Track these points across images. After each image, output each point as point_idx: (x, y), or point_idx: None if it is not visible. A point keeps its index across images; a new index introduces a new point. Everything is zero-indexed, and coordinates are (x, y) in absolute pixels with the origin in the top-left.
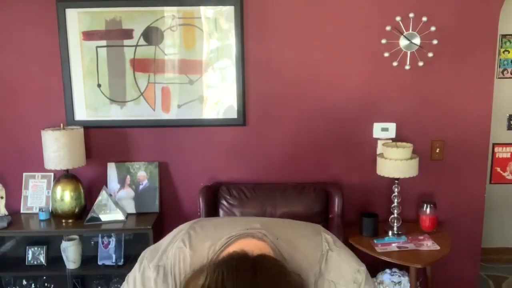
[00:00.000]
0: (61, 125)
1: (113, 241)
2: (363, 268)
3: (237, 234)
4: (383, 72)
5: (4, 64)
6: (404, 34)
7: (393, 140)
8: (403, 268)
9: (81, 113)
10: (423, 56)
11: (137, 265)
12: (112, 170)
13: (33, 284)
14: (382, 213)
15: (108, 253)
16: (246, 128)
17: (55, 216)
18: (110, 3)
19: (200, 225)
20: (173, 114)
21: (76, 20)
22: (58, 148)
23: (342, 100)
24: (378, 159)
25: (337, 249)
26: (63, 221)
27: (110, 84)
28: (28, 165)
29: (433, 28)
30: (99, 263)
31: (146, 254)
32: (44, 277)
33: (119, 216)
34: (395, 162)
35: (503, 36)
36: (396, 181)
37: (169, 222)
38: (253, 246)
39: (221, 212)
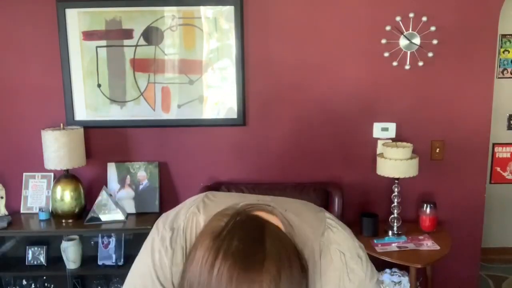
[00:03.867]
0: (61, 125)
1: (113, 241)
2: (362, 245)
3: (248, 203)
4: (383, 72)
5: (4, 64)
6: (404, 34)
7: (393, 140)
8: (403, 268)
9: (81, 113)
10: (423, 56)
11: (153, 229)
12: (112, 170)
13: (33, 284)
14: (382, 213)
15: (108, 253)
16: (246, 128)
17: (55, 216)
18: (110, 3)
19: (213, 194)
20: (173, 114)
21: (76, 20)
22: (58, 148)
23: (342, 100)
24: (378, 159)
25: (339, 224)
26: (63, 221)
27: (110, 84)
28: (28, 165)
29: (433, 28)
30: (99, 263)
31: (160, 219)
32: (44, 277)
33: (119, 216)
34: (395, 162)
35: (503, 36)
36: (396, 181)
37: None
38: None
39: None
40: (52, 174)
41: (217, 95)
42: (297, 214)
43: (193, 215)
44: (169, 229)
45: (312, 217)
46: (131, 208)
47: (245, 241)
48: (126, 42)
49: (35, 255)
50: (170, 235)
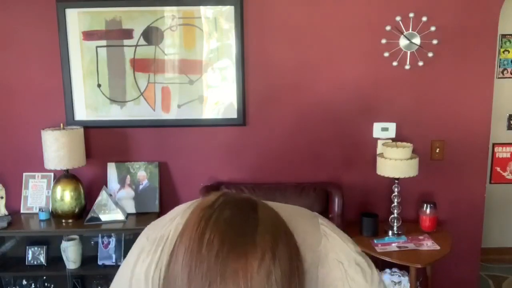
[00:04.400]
0: (61, 125)
1: (113, 241)
2: (359, 250)
3: None
4: (383, 72)
5: (4, 64)
6: (404, 34)
7: (393, 140)
8: (403, 268)
9: (81, 113)
10: (423, 56)
11: (138, 238)
12: (112, 170)
13: (33, 284)
14: (382, 213)
15: (108, 253)
16: (246, 128)
17: (55, 216)
18: (110, 3)
19: None
20: (173, 114)
21: (76, 20)
22: (58, 148)
23: (342, 100)
24: (378, 159)
25: (334, 231)
26: (63, 221)
27: (110, 84)
28: (28, 165)
29: (433, 28)
30: (99, 263)
31: (146, 229)
32: (44, 277)
33: (119, 216)
34: (395, 162)
35: (503, 36)
36: (396, 181)
37: None
38: None
39: None
40: (52, 174)
41: (217, 95)
42: (289, 218)
43: (180, 225)
44: (152, 241)
45: (306, 223)
46: (131, 208)
47: (237, 211)
48: (126, 42)
49: (35, 255)
50: (149, 247)
